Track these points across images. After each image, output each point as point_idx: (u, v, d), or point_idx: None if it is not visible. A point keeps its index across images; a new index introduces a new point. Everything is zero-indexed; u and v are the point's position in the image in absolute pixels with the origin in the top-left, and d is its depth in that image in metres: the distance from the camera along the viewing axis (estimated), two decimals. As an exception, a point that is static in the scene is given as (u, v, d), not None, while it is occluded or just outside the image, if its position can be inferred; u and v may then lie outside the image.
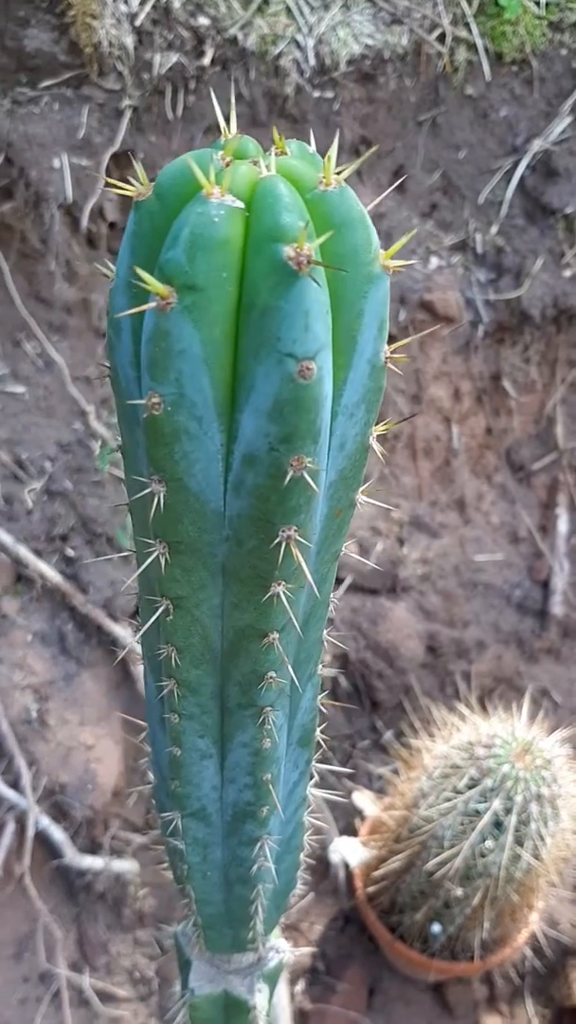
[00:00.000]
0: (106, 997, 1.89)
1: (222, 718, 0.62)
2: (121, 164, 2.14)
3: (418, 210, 2.45)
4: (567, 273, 2.44)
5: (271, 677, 0.58)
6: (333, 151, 0.44)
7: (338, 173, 0.43)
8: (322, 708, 0.69)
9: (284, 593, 0.52)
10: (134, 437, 0.50)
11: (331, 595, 0.61)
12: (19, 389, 2.11)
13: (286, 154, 0.45)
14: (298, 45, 2.18)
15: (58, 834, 1.85)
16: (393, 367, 0.50)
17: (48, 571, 1.96)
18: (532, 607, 2.46)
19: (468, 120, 2.49)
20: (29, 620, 1.97)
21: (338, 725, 2.26)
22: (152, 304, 0.42)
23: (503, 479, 2.53)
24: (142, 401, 0.44)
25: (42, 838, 1.86)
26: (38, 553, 1.99)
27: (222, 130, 0.45)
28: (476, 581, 2.43)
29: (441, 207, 2.48)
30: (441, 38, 2.39)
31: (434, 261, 2.39)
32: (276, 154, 0.45)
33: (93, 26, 1.96)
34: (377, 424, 0.52)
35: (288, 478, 0.46)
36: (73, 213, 2.11)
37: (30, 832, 1.82)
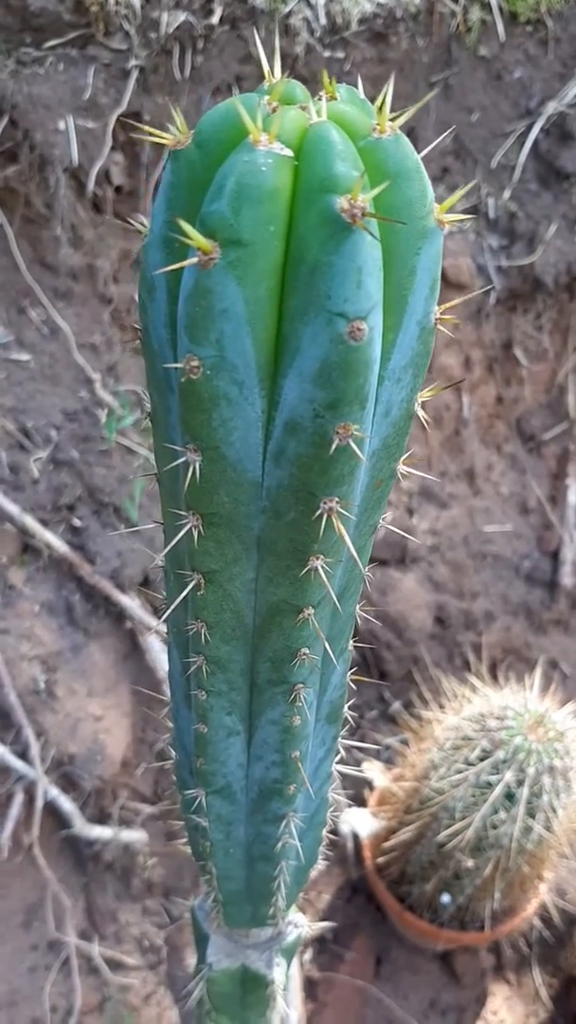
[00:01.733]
0: (115, 965, 1.89)
1: (251, 695, 0.60)
2: (127, 126, 2.09)
3: (430, 173, 2.39)
4: (581, 239, 2.40)
5: (304, 653, 0.56)
6: (388, 96, 0.41)
7: (392, 120, 0.41)
8: (351, 684, 0.67)
9: (322, 567, 0.50)
10: (167, 403, 0.47)
11: (366, 568, 0.58)
12: (24, 357, 2.08)
13: (336, 99, 0.42)
14: (309, 3, 2.13)
15: (67, 804, 1.84)
16: (443, 328, 0.47)
17: (55, 541, 1.94)
18: (541, 578, 2.44)
19: (481, 82, 2.44)
20: (36, 590, 1.95)
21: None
22: (193, 260, 0.39)
23: (513, 449, 2.50)
24: (179, 365, 0.42)
25: (51, 808, 1.86)
26: (44, 523, 1.97)
27: (265, 74, 0.42)
28: (485, 552, 2.41)
29: (453, 171, 2.43)
30: (455, -4, 2.33)
31: (445, 227, 2.34)
32: (326, 99, 0.42)
33: (99, -18, 1.91)
34: (422, 390, 0.50)
35: (333, 447, 0.43)
36: (79, 177, 2.07)
37: (39, 803, 1.81)
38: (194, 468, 0.45)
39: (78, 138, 2.01)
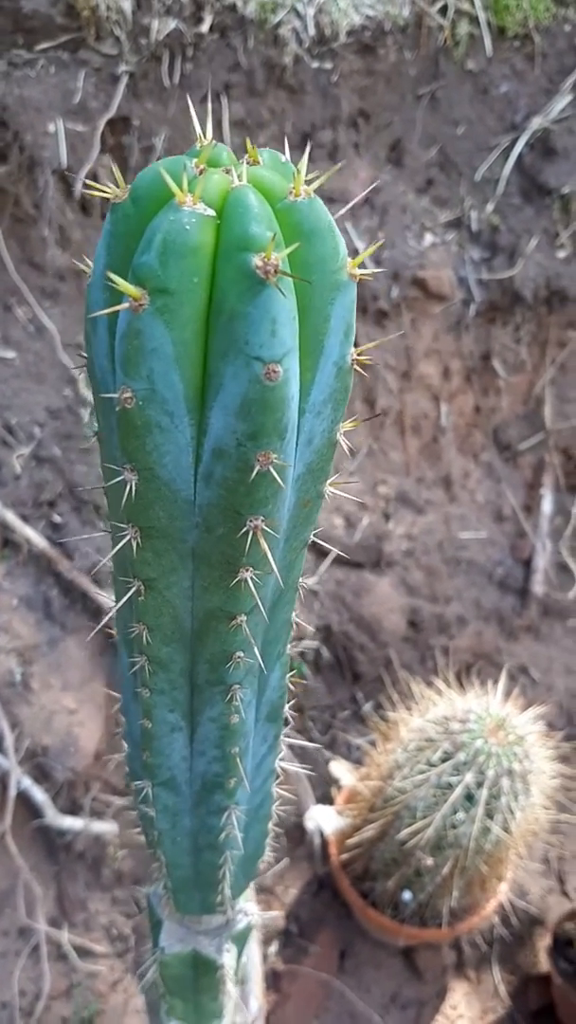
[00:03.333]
0: (84, 952, 1.94)
1: (192, 694, 0.65)
2: (116, 130, 2.14)
3: (414, 185, 2.44)
4: (561, 254, 2.45)
5: (239, 656, 0.60)
6: (304, 164, 0.45)
7: (308, 183, 0.45)
8: (291, 685, 0.72)
9: (251, 578, 0.54)
10: (109, 425, 0.52)
11: (300, 579, 0.63)
12: (10, 354, 2.12)
13: (259, 163, 0.47)
14: (298, 14, 2.17)
15: (39, 795, 1.88)
16: (358, 367, 0.51)
17: (34, 536, 1.98)
18: (513, 585, 2.49)
19: (468, 95, 2.48)
20: (15, 585, 1.99)
21: (319, 696, 2.30)
22: (125, 305, 0.44)
23: (489, 458, 2.55)
24: (115, 395, 0.47)
25: (24, 798, 1.90)
26: (25, 518, 2.01)
27: (198, 136, 0.47)
28: (459, 558, 2.46)
29: (437, 183, 2.47)
30: (443, 10, 2.37)
31: (428, 238, 2.39)
32: (248, 163, 0.47)
33: (91, -11, 1.95)
34: (344, 421, 0.54)
35: (255, 472, 0.48)
36: (67, 179, 2.11)
37: (12, 792, 1.85)
38: (131, 486, 0.50)
39: (67, 141, 2.05)
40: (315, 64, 2.23)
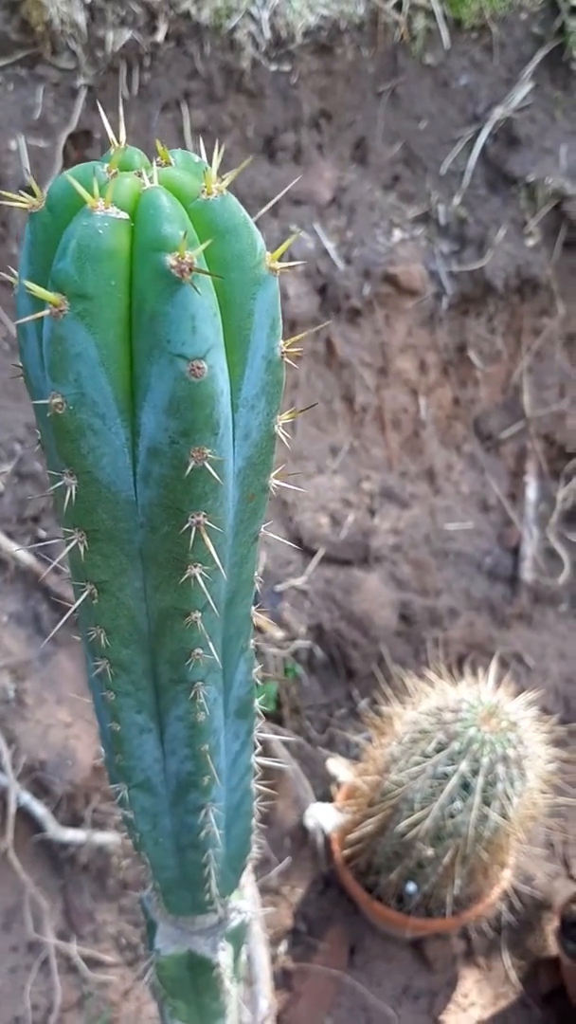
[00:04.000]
0: (94, 963, 1.94)
1: (156, 694, 0.66)
2: (79, 144, 2.15)
3: (380, 182, 2.46)
4: (530, 242, 2.46)
5: (198, 654, 0.61)
6: (216, 161, 0.46)
7: (220, 180, 0.46)
8: (257, 680, 0.72)
9: (201, 575, 0.55)
10: (48, 432, 0.53)
11: (255, 574, 0.64)
12: (-14, 373, 2.13)
13: (171, 164, 0.48)
14: (253, 18, 2.18)
15: (40, 809, 1.89)
16: (289, 361, 0.52)
17: (20, 552, 1.99)
18: (503, 574, 2.50)
19: (428, 89, 2.50)
20: (3, 601, 2.00)
21: (315, 694, 2.31)
22: (46, 312, 0.45)
23: (472, 449, 2.56)
24: (46, 401, 0.47)
25: (24, 814, 1.90)
26: (10, 535, 2.01)
27: (111, 141, 0.47)
28: (447, 550, 2.47)
29: (403, 179, 2.48)
30: (398, 6, 2.38)
31: (397, 234, 2.40)
32: (160, 165, 0.48)
33: (44, 4, 1.96)
34: (281, 413, 0.55)
35: (190, 468, 0.49)
36: (32, 195, 2.11)
37: (12, 808, 1.86)
38: (71, 490, 0.51)
39: (30, 157, 2.06)
40: (273, 67, 2.24)
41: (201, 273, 0.44)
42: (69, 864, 1.98)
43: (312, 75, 2.30)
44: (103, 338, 0.46)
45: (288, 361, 0.52)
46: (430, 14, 2.45)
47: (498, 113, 2.51)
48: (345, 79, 2.36)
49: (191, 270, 0.43)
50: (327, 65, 2.32)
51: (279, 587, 2.20)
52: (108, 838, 1.97)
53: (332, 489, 2.36)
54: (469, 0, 2.52)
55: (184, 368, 0.45)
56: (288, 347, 0.51)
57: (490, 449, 2.57)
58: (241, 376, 0.50)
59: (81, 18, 1.99)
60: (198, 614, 0.58)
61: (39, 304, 0.46)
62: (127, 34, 2.04)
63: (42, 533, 2.05)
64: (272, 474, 0.57)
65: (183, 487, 0.51)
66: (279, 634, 2.16)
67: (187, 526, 0.52)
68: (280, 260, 0.47)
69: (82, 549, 0.54)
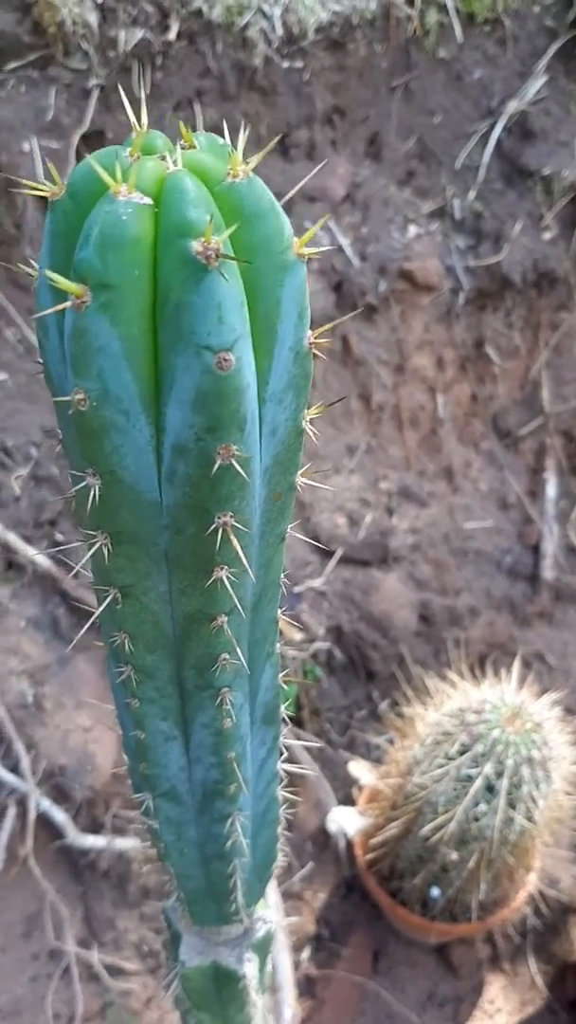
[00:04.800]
0: (115, 971, 1.92)
1: (182, 701, 0.63)
2: (92, 145, 2.13)
3: (395, 178, 2.43)
4: (546, 236, 2.43)
5: (224, 659, 0.59)
6: (241, 142, 0.44)
7: (246, 163, 0.44)
8: (283, 685, 0.70)
9: (227, 577, 0.53)
10: (69, 430, 0.51)
11: (281, 576, 0.62)
12: (1, 376, 2.12)
13: (195, 147, 0.46)
14: (264, 15, 2.16)
15: (59, 815, 1.87)
16: (318, 354, 0.50)
17: (38, 557, 1.97)
18: (523, 572, 2.47)
19: (441, 84, 2.47)
20: (22, 606, 1.98)
21: (335, 697, 2.29)
22: (68, 304, 0.43)
23: (490, 446, 2.53)
24: (68, 398, 0.45)
25: (44, 820, 1.89)
26: (27, 539, 2.00)
27: (133, 126, 0.45)
28: (467, 549, 2.44)
29: (418, 174, 2.46)
30: (410, 1, 2.36)
31: (412, 229, 2.38)
32: (184, 148, 0.46)
33: (56, 5, 1.94)
34: (309, 408, 0.53)
35: (217, 466, 0.47)
36: (45, 197, 2.10)
37: (31, 815, 1.84)
38: (95, 491, 0.49)
39: (43, 158, 2.05)
40: (286, 64, 2.22)
41: (228, 259, 0.41)
42: (89, 870, 1.97)
43: (325, 71, 2.27)
44: (127, 330, 0.44)
45: (317, 352, 0.50)
46: (443, 8, 2.43)
47: (512, 107, 2.49)
48: (358, 75, 2.34)
49: (217, 256, 0.41)
50: (340, 61, 2.30)
51: (297, 589, 2.18)
52: (128, 844, 1.95)
53: (349, 489, 2.33)
54: (482, -7, 2.49)
55: (211, 360, 0.43)
56: (315, 338, 0.49)
57: (509, 446, 2.54)
58: (268, 369, 0.48)
59: (93, 18, 1.98)
60: (224, 618, 0.56)
61: (60, 297, 0.44)
62: (139, 33, 2.02)
63: (59, 537, 2.04)
64: (299, 472, 0.55)
65: (209, 486, 0.48)
66: (298, 636, 2.14)
67: (213, 527, 0.50)
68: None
69: (106, 552, 0.52)
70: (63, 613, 2.01)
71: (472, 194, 2.47)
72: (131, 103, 2.08)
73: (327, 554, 2.28)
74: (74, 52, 2.04)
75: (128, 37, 2.02)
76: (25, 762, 1.86)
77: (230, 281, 0.42)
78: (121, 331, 0.43)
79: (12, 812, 1.86)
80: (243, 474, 0.47)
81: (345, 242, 2.29)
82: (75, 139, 2.05)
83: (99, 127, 2.09)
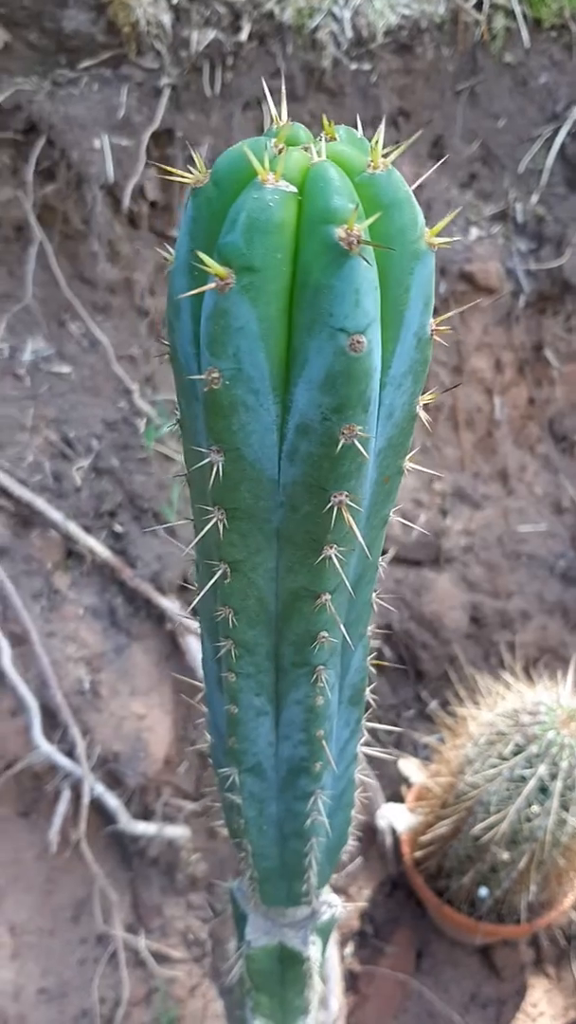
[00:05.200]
0: (161, 958, 1.95)
1: (277, 677, 0.66)
2: (161, 143, 2.17)
3: (457, 180, 2.44)
4: (609, 241, 2.43)
5: (323, 637, 0.61)
6: (380, 135, 0.46)
7: (385, 156, 0.46)
8: (371, 668, 0.72)
9: (336, 556, 0.55)
10: (193, 411, 0.53)
11: (380, 559, 0.63)
12: (65, 369, 2.16)
13: (335, 139, 0.48)
14: (335, 17, 2.18)
15: (112, 801, 1.90)
16: (439, 339, 0.52)
17: (97, 546, 2.01)
18: (576, 577, 2.46)
19: (507, 88, 2.47)
20: (80, 594, 2.02)
21: (384, 695, 2.30)
22: (212, 285, 0.45)
23: (546, 449, 2.53)
24: (202, 376, 0.48)
25: (97, 805, 1.92)
26: (87, 529, 2.04)
27: (273, 118, 0.48)
28: (519, 552, 2.44)
29: (481, 177, 2.47)
30: (478, 5, 2.37)
31: (474, 232, 2.38)
32: (326, 140, 0.48)
33: (130, 5, 1.98)
34: (423, 394, 0.55)
35: (340, 446, 0.49)
36: (114, 193, 2.14)
37: (85, 799, 1.88)
38: (218, 467, 0.51)
39: (113, 155, 2.09)
40: (354, 66, 2.24)
41: (369, 245, 0.44)
42: (139, 857, 2.00)
43: (392, 74, 2.29)
44: (265, 312, 0.46)
45: (437, 339, 0.51)
46: (510, 13, 2.43)
47: (577, 111, 2.48)
48: (424, 78, 2.35)
49: (359, 242, 0.43)
50: (407, 64, 2.31)
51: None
52: (178, 832, 1.97)
53: (403, 488, 2.35)
54: (549, 0, 2.49)
55: (344, 342, 0.45)
56: (437, 325, 0.51)
57: (565, 450, 2.53)
58: (392, 353, 0.50)
59: (167, 19, 2.01)
60: (329, 596, 0.58)
61: (197, 280, 0.46)
62: (211, 34, 2.05)
63: (118, 528, 2.07)
64: (408, 456, 0.57)
65: (329, 465, 0.50)
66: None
67: (329, 506, 0.52)
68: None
69: (221, 528, 0.54)
70: (120, 603, 2.05)
71: (535, 198, 2.47)
72: (203, 103, 2.11)
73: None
74: (147, 51, 2.07)
75: (200, 37, 2.06)
76: (80, 747, 1.89)
77: (370, 266, 0.44)
78: (260, 312, 0.46)
79: (66, 796, 1.89)
80: (364, 453, 0.49)
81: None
82: (145, 137, 2.09)
83: (169, 126, 2.13)
